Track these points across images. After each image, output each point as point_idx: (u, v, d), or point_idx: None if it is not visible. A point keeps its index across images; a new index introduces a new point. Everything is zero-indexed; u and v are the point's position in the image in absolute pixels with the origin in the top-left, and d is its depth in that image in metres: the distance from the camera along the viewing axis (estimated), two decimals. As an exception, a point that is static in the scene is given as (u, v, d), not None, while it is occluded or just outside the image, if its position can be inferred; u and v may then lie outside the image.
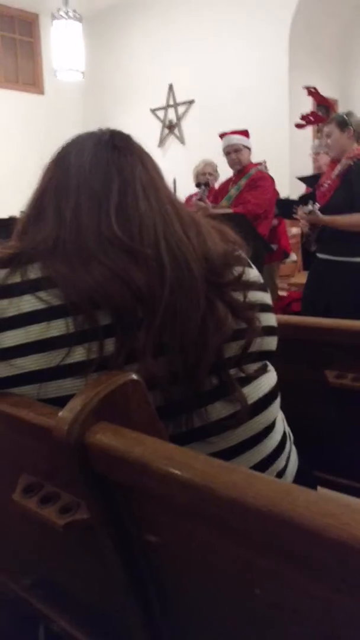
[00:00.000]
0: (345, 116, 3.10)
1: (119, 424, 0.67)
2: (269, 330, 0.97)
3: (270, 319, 0.99)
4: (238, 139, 3.94)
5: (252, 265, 0.99)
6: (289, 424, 1.11)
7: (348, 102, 8.03)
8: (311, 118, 3.82)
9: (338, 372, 1.40)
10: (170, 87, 8.29)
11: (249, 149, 3.99)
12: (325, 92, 7.73)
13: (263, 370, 0.96)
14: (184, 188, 7.67)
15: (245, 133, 4.04)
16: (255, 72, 7.29)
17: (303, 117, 3.89)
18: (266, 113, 6.87)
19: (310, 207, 3.05)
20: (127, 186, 0.90)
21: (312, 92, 3.78)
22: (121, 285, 0.83)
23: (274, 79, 7.14)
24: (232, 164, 3.99)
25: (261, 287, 0.98)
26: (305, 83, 7.29)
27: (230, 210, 3.77)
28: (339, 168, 3.12)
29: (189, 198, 5.23)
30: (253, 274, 0.97)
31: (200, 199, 3.90)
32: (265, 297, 0.99)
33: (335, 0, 7.27)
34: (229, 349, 0.89)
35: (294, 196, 4.72)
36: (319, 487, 1.37)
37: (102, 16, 8.68)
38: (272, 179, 3.98)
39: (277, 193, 4.23)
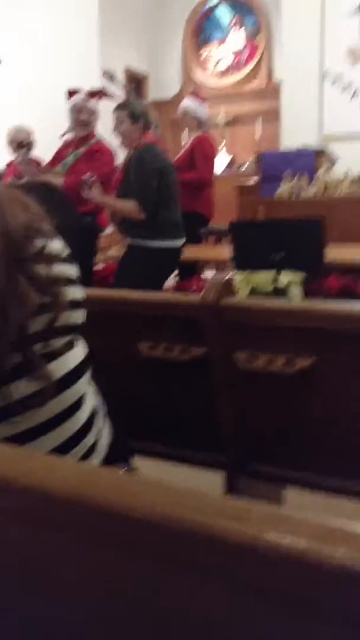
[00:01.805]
0: (136, 106, 3.13)
1: None
2: (74, 304, 0.94)
3: (76, 293, 0.96)
4: (91, 102, 3.66)
5: (56, 236, 0.95)
6: (104, 397, 1.10)
7: (157, 76, 8.18)
8: (98, 93, 3.73)
9: (151, 344, 1.42)
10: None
11: (96, 115, 3.72)
12: (135, 65, 7.79)
13: (70, 345, 0.92)
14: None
15: (96, 95, 3.74)
16: (65, 39, 7.04)
17: (90, 93, 3.76)
18: (77, 83, 6.68)
19: (89, 177, 3.20)
20: None
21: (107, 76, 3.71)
22: None
23: (84, 48, 6.96)
24: (78, 124, 3.68)
25: (65, 260, 0.94)
26: (115, 55, 7.26)
27: (60, 179, 3.54)
28: (126, 157, 3.22)
29: (10, 164, 4.91)
30: (56, 246, 0.93)
31: (23, 161, 3.58)
32: (70, 270, 0.95)
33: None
34: (34, 324, 0.85)
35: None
36: (136, 456, 1.39)
37: None
38: (111, 153, 3.80)
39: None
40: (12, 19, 7.30)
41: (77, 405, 0.93)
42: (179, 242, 3.24)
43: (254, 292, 3.41)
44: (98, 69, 6.92)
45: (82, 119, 3.67)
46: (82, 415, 0.94)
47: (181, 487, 0.43)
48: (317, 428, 1.33)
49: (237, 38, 7.84)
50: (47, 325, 0.86)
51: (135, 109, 3.11)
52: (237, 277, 3.39)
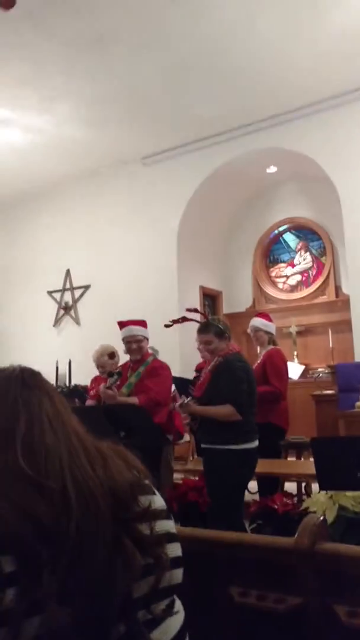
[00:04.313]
0: (220, 326, 3.39)
1: None
2: (175, 562, 0.94)
3: (176, 549, 0.97)
4: (140, 330, 4.11)
5: (157, 492, 1.00)
6: None
7: (230, 292, 8.86)
8: (179, 320, 4.13)
9: (242, 590, 1.36)
10: (68, 272, 8.73)
11: (147, 339, 4.17)
12: (210, 285, 8.54)
13: (170, 608, 0.91)
14: (79, 367, 7.74)
15: (144, 323, 4.21)
16: (147, 267, 7.95)
17: (172, 321, 4.17)
18: (157, 301, 7.36)
19: (183, 399, 3.37)
20: (33, 419, 0.91)
21: (191, 310, 4.14)
22: (25, 521, 0.80)
23: (164, 272, 7.80)
24: (132, 353, 4.11)
25: (167, 516, 0.97)
26: (192, 276, 8.05)
27: (135, 400, 3.78)
28: (212, 364, 3.46)
29: (94, 380, 5.24)
30: (159, 502, 0.97)
31: (109, 387, 3.89)
32: (171, 526, 0.98)
33: (214, 213, 8.36)
34: (138, 588, 0.85)
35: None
36: None
37: (5, 204, 9.28)
38: (168, 368, 4.12)
39: None
40: (104, 247, 8.40)
41: None
42: (256, 444, 3.29)
43: (341, 512, 3.23)
44: (176, 292, 7.65)
45: (133, 348, 4.04)
46: None
47: None
48: None
49: (304, 259, 8.55)
50: (150, 589, 0.86)
51: (219, 328, 3.38)
52: (323, 497, 3.26)
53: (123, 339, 4.16)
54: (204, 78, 6.16)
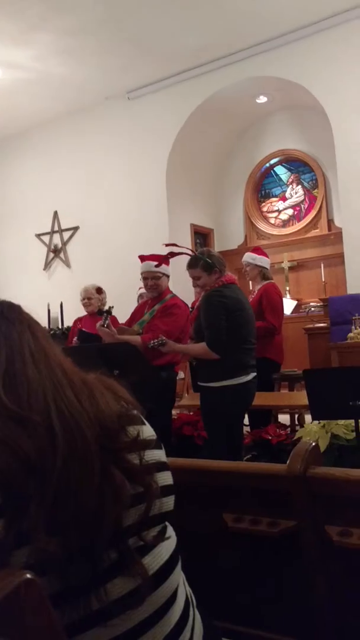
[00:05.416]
0: (208, 259, 3.24)
1: (11, 635, 0.60)
2: (166, 490, 0.95)
3: (166, 478, 0.97)
4: (158, 267, 3.88)
5: (146, 422, 0.99)
6: (189, 572, 1.05)
7: (221, 230, 8.75)
8: (168, 255, 3.89)
9: (236, 516, 1.39)
10: (55, 214, 8.56)
11: (167, 276, 3.97)
12: (201, 222, 8.41)
13: (162, 535, 0.91)
14: (70, 309, 7.73)
15: (166, 261, 3.92)
16: (136, 206, 7.78)
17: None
18: (147, 240, 7.25)
19: (159, 340, 3.31)
20: (14, 353, 0.89)
21: (169, 244, 3.86)
22: (8, 455, 0.79)
23: (154, 210, 7.65)
24: (148, 289, 3.95)
25: (157, 445, 0.97)
26: (182, 214, 7.91)
27: (138, 338, 3.70)
28: (200, 299, 3.38)
29: (77, 321, 5.20)
30: (148, 432, 0.96)
31: (103, 326, 3.79)
32: (161, 455, 0.97)
33: (203, 148, 8.11)
34: (128, 516, 0.85)
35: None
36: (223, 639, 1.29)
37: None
38: (185, 306, 3.97)
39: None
40: (91, 187, 8.21)
41: (171, 600, 0.90)
42: (245, 379, 3.19)
43: (334, 440, 3.30)
44: (167, 231, 7.53)
45: (149, 285, 3.90)
46: (176, 611, 0.91)
47: None
48: None
49: (295, 192, 8.39)
50: (141, 517, 0.87)
51: (207, 262, 3.24)
52: (316, 427, 3.32)
53: (141, 274, 3.98)
54: (188, 5, 5.84)
